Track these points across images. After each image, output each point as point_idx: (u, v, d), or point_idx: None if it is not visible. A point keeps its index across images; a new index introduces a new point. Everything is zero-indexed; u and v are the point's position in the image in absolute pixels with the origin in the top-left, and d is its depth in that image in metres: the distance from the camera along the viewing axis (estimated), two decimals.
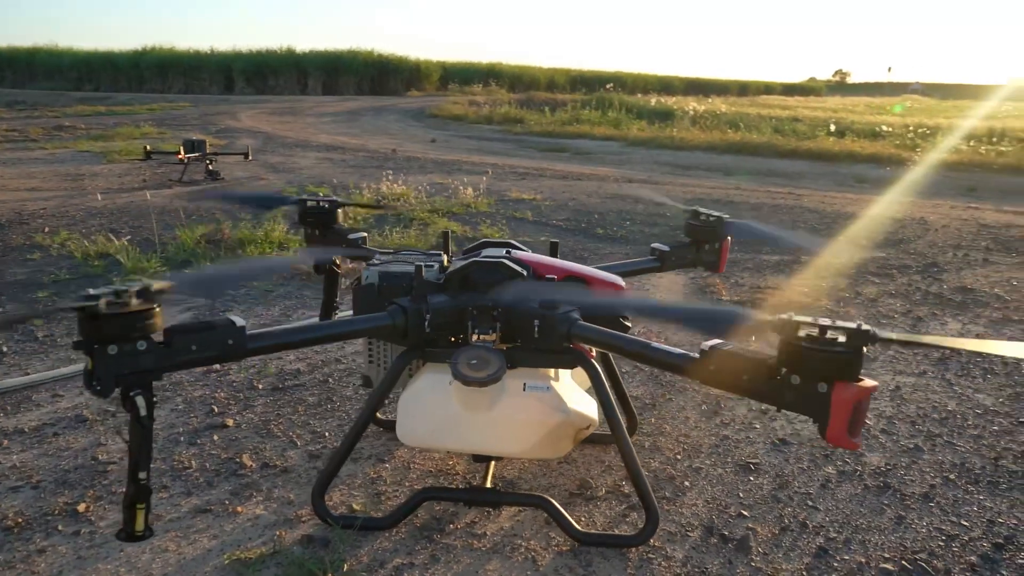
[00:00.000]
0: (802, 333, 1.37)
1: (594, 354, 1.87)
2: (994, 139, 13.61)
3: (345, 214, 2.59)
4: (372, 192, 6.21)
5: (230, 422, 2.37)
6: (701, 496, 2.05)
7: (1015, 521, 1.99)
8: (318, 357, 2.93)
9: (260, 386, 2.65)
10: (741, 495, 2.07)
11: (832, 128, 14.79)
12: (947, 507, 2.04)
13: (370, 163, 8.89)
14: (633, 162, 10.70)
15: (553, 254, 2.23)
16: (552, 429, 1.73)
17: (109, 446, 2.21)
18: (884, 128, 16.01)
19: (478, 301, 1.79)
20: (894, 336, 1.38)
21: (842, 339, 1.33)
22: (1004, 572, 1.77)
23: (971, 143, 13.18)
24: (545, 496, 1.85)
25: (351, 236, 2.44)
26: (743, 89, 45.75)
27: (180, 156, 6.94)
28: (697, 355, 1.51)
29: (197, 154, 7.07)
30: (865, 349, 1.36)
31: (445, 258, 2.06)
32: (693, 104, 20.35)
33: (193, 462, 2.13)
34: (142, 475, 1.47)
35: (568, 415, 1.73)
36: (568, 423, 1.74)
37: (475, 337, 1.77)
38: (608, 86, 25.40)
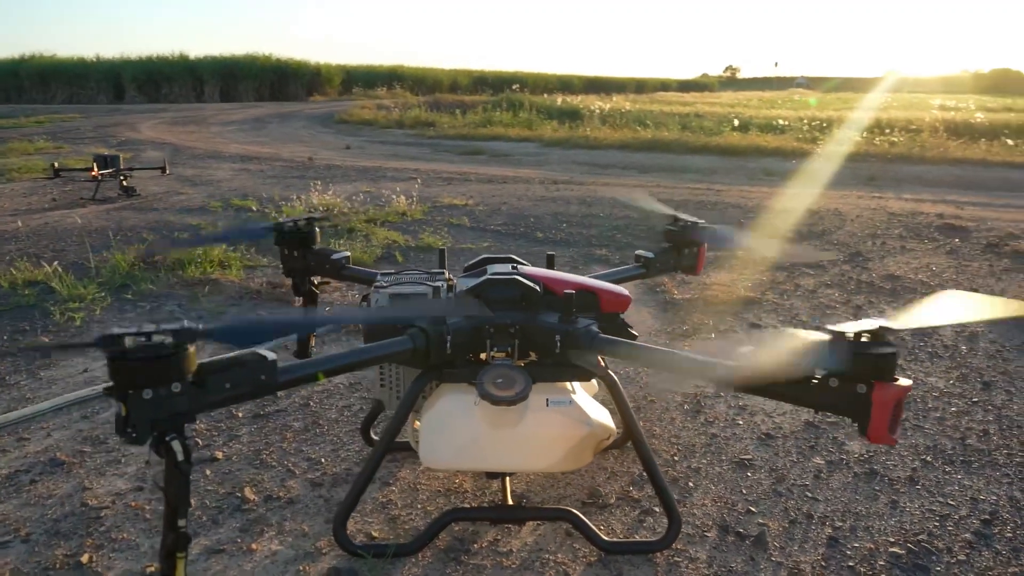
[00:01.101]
0: (839, 337, 1.43)
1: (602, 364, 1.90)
2: (886, 130, 14.40)
3: (321, 232, 2.53)
4: (303, 204, 6.07)
5: (219, 454, 2.29)
6: (707, 496, 2.11)
7: (994, 497, 2.13)
8: None
9: (240, 414, 2.57)
10: (744, 491, 2.14)
11: (735, 123, 15.32)
12: (932, 488, 2.17)
13: (290, 173, 8.69)
14: (551, 163, 10.82)
15: (550, 266, 2.26)
16: (578, 442, 1.75)
17: (96, 489, 2.10)
18: (780, 122, 16.72)
19: (495, 319, 1.79)
20: (909, 325, 1.46)
21: (869, 339, 1.40)
22: (997, 546, 1.90)
23: (864, 135, 13.93)
24: (569, 508, 1.87)
25: (334, 256, 2.39)
26: (640, 86, 46.91)
27: (93, 173, 6.60)
28: (732, 363, 1.55)
29: (111, 170, 6.75)
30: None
31: (448, 276, 2.04)
32: (598, 103, 20.74)
33: (192, 500, 2.05)
34: (181, 523, 1.42)
35: (592, 427, 1.75)
36: (592, 435, 1.76)
37: (493, 355, 1.78)
38: (514, 87, 25.58)
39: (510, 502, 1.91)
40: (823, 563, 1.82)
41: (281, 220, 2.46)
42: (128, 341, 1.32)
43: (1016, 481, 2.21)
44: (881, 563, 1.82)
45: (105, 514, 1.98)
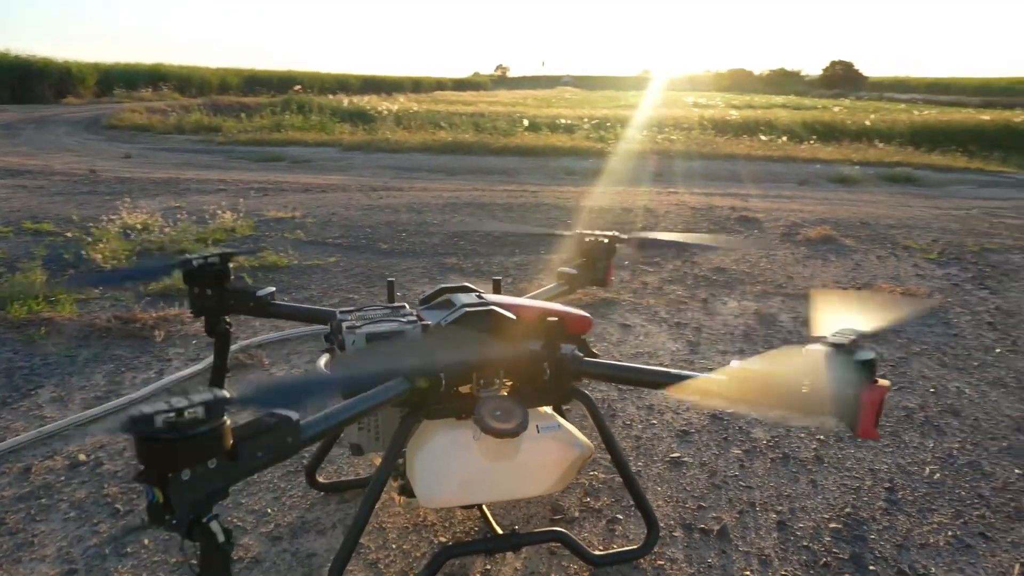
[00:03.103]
0: (824, 345, 1.59)
1: None
2: (665, 128, 15.61)
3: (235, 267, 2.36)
4: (116, 224, 5.53)
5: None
6: (658, 497, 2.25)
7: (886, 467, 2.45)
8: None
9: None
10: (688, 488, 2.30)
11: (526, 123, 15.90)
12: (837, 465, 2.45)
13: (76, 188, 7.85)
14: (356, 168, 10.65)
15: (496, 291, 2.27)
16: (571, 464, 1.80)
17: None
18: (563, 121, 17.61)
19: (482, 351, 1.80)
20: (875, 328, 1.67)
21: (852, 347, 1.58)
22: (908, 510, 2.20)
23: (644, 132, 15.02)
24: (559, 529, 1.92)
25: (260, 293, 2.24)
26: (417, 85, 47.17)
27: None
28: (722, 377, 1.67)
29: None
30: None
31: (410, 310, 2.01)
32: (386, 104, 20.65)
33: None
34: None
35: (581, 448, 1.81)
36: (580, 456, 1.82)
37: (481, 387, 1.78)
38: (296, 87, 24.73)
39: (498, 530, 1.92)
40: (782, 546, 2.01)
41: (189, 256, 2.27)
42: (159, 420, 1.19)
43: (896, 450, 2.56)
44: (828, 539, 2.04)
45: None
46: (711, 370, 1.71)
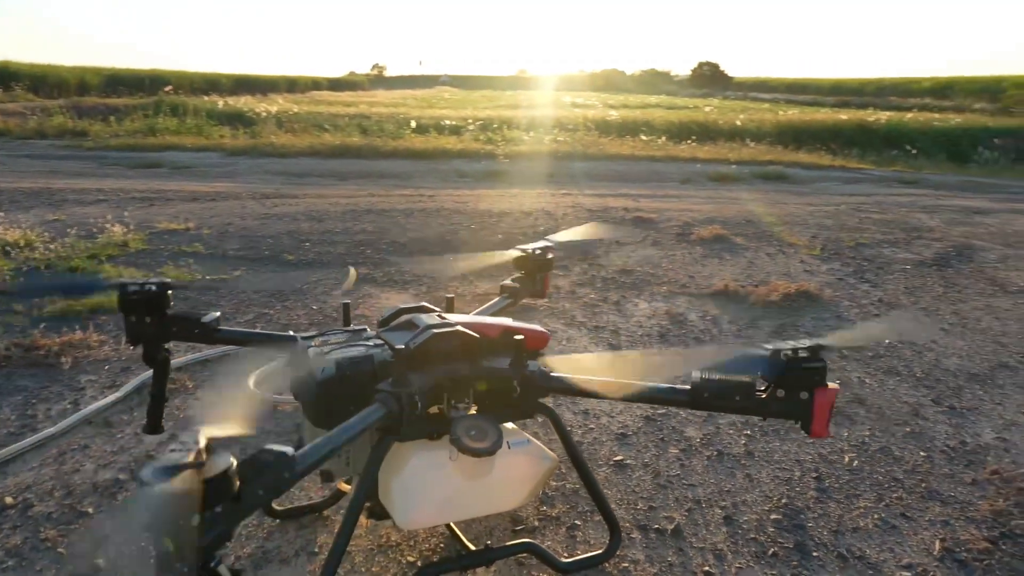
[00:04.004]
0: (782, 356, 1.71)
1: None
2: (552, 129, 15.88)
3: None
4: None
5: (100, 562, 1.99)
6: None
7: (810, 457, 2.64)
8: (122, 458, 2.53)
9: (88, 509, 2.23)
10: (636, 490, 2.40)
11: (413, 125, 15.82)
12: (767, 458, 2.62)
13: None
14: (242, 174, 10.31)
15: (450, 309, 2.29)
16: (541, 478, 1.86)
17: None
18: (448, 122, 17.62)
19: (451, 372, 1.82)
20: (836, 343, 1.81)
21: (807, 355, 1.71)
22: (836, 496, 2.38)
23: (531, 133, 15.24)
24: (529, 540, 1.97)
25: (205, 319, 2.17)
26: (292, 85, 45.85)
27: None
28: (689, 387, 1.77)
29: None
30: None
31: (372, 332, 2.00)
32: (264, 105, 20.03)
33: None
34: None
35: (550, 461, 1.87)
36: (549, 469, 1.88)
37: (452, 407, 1.81)
38: (167, 88, 23.58)
39: (470, 546, 1.95)
40: (732, 540, 2.14)
41: (125, 281, 2.17)
42: (172, 461, 1.17)
43: (816, 440, 2.75)
44: (771, 530, 2.19)
45: None
46: (676, 379, 1.80)
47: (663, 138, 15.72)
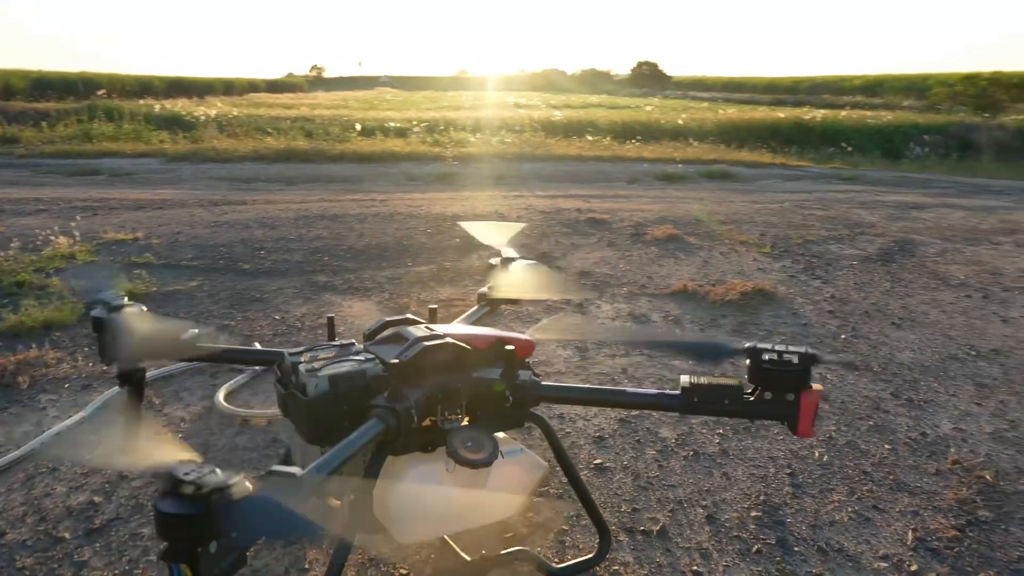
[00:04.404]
0: (766, 358, 1.77)
1: None
2: (499, 130, 15.90)
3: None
4: None
5: None
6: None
7: (782, 454, 2.71)
8: (94, 479, 2.46)
9: (66, 535, 2.17)
10: (619, 493, 2.44)
11: (359, 128, 15.67)
12: (741, 456, 2.69)
13: None
14: (186, 180, 10.09)
15: (433, 320, 2.29)
16: (535, 485, 1.88)
17: None
18: (392, 124, 17.50)
19: (444, 384, 1.83)
20: (830, 357, 1.87)
21: (796, 360, 1.77)
22: (810, 492, 2.46)
23: (477, 135, 15.24)
24: (523, 547, 1.99)
25: (184, 337, 2.13)
26: (229, 87, 44.98)
27: None
28: (679, 392, 1.81)
29: None
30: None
31: (360, 346, 1.99)
32: (202, 108, 19.61)
33: None
34: None
35: (542, 469, 1.90)
36: (542, 476, 1.91)
37: (445, 419, 1.82)
38: (100, 92, 22.88)
39: (465, 556, 1.96)
40: (716, 539, 2.19)
41: (99, 298, 2.12)
42: (187, 489, 1.16)
43: (786, 437, 2.83)
44: (753, 527, 2.25)
45: None
46: (665, 385, 1.83)
47: (608, 138, 15.88)
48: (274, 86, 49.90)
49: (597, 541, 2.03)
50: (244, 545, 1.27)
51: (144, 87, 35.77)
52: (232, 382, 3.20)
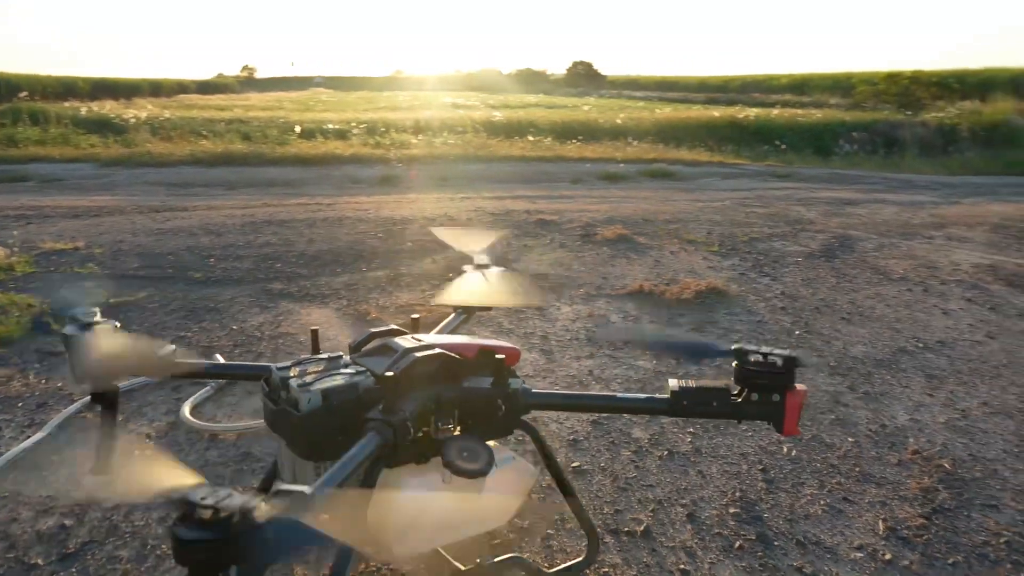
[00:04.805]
0: (752, 359, 1.82)
1: None
2: (442, 131, 15.84)
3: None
4: None
5: None
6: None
7: (752, 450, 2.79)
8: (62, 502, 2.38)
9: (38, 561, 2.10)
10: (600, 495, 2.47)
11: (298, 130, 15.42)
12: (713, 454, 2.75)
13: None
14: (121, 186, 9.80)
15: (415, 329, 2.28)
16: (528, 491, 1.90)
17: None
18: (331, 126, 17.27)
19: (437, 395, 1.83)
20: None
21: (780, 362, 1.82)
22: (783, 486, 2.53)
23: (419, 137, 15.16)
24: (515, 554, 2.00)
25: (162, 352, 2.07)
26: (157, 88, 43.70)
27: None
28: (668, 395, 1.85)
29: None
30: None
31: (348, 359, 1.98)
32: (132, 111, 19.04)
33: None
34: None
35: (533, 475, 1.91)
36: (533, 482, 1.92)
37: (439, 430, 1.82)
38: (22, 94, 21.98)
39: (459, 566, 1.96)
40: (699, 536, 2.25)
41: (70, 314, 2.06)
42: (206, 514, 1.14)
43: (754, 433, 2.91)
44: (732, 523, 2.31)
45: None
46: (654, 389, 1.87)
47: (550, 138, 15.98)
48: (204, 87, 48.70)
49: (585, 544, 2.07)
50: (263, 568, 1.25)
51: (67, 88, 34.50)
52: (196, 396, 3.13)
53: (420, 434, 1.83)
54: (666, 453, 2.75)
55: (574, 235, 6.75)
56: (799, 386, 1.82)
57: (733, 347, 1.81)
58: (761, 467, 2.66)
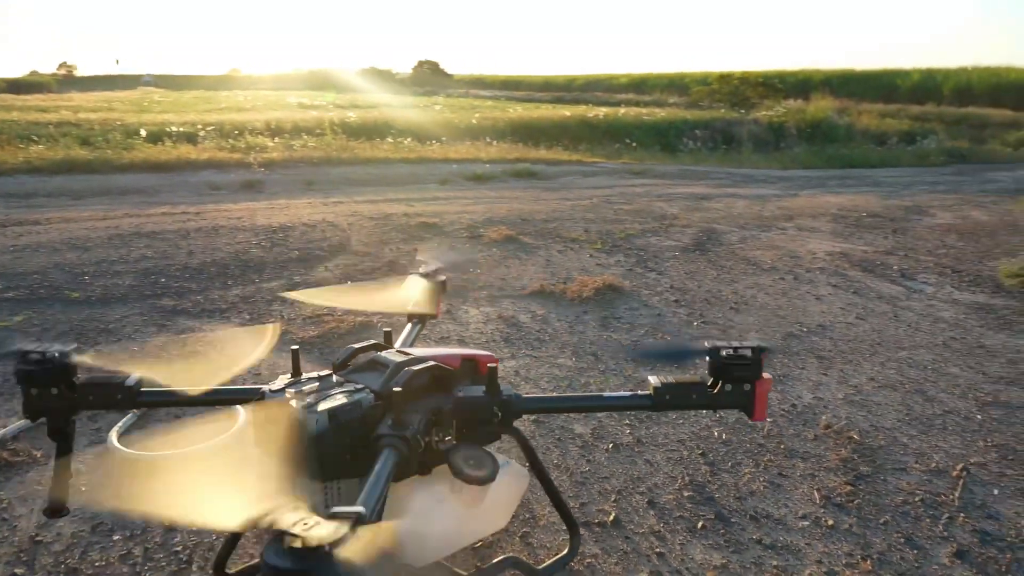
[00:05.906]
0: (724, 353, 1.98)
1: None
2: (302, 134, 15.39)
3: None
4: None
5: None
6: (545, 506, 2.49)
7: (687, 436, 2.98)
8: (4, 551, 2.21)
9: None
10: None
11: (144, 134, 14.53)
12: (653, 442, 2.92)
13: None
14: None
15: (389, 343, 2.29)
16: (521, 496, 1.97)
17: None
18: (174, 128, 16.40)
19: (436, 406, 1.87)
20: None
21: (749, 353, 1.99)
22: (724, 467, 2.74)
23: (276, 139, 14.69)
24: (512, 555, 2.07)
25: (128, 383, 1.97)
26: None
27: None
28: (650, 392, 1.97)
29: None
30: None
31: (340, 377, 1.97)
32: None
33: None
34: None
35: (527, 478, 1.99)
36: (526, 486, 2.00)
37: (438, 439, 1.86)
38: None
39: (461, 572, 2.00)
40: (663, 522, 2.40)
41: (23, 349, 1.91)
42: (297, 543, 1.14)
43: (684, 421, 3.11)
44: (689, 505, 2.48)
45: None
46: (635, 387, 1.99)
47: (409, 139, 15.93)
48: (17, 86, 44.60)
49: (567, 538, 2.17)
50: None
51: None
52: (121, 423, 2.97)
53: (423, 446, 1.87)
54: (612, 446, 2.89)
55: (460, 237, 6.83)
56: (765, 375, 2.00)
57: (707, 346, 1.97)
58: (700, 451, 2.86)
